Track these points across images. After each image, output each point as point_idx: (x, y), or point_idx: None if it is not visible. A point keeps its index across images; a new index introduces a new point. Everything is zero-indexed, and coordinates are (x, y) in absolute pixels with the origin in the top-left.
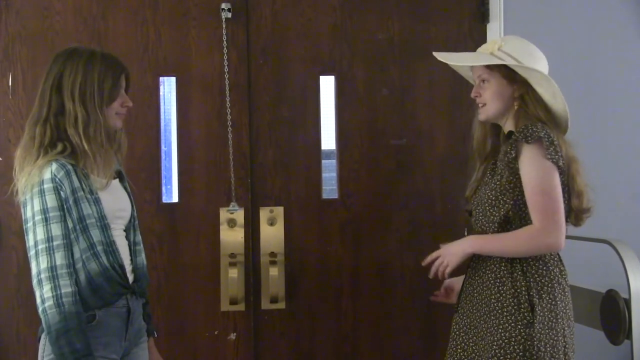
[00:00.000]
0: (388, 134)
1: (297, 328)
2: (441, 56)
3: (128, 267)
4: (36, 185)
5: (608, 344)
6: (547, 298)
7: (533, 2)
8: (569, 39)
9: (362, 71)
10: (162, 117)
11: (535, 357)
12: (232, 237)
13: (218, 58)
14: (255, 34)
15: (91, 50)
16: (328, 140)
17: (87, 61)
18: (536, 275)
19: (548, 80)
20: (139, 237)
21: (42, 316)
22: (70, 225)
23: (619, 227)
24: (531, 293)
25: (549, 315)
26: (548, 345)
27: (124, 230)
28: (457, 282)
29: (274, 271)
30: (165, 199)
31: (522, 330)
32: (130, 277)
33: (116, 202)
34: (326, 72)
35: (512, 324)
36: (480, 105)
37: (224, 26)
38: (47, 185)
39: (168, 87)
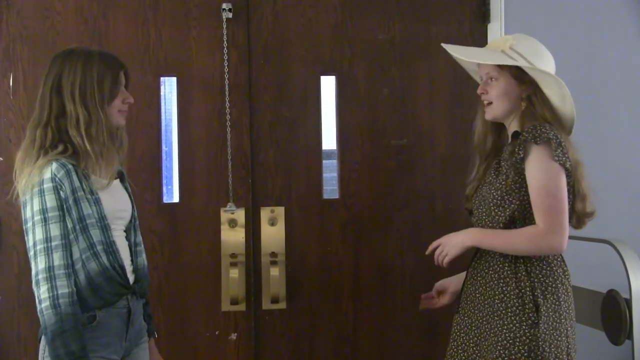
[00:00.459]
0: (389, 134)
1: (298, 328)
2: (452, 49)
3: (129, 268)
4: (36, 185)
5: (609, 344)
6: (552, 298)
7: (534, 2)
8: (569, 39)
9: (363, 71)
10: (162, 117)
11: (540, 357)
12: (232, 237)
13: (219, 58)
14: (256, 34)
15: (88, 50)
16: (329, 140)
17: (85, 61)
18: (540, 276)
19: (559, 83)
20: (139, 238)
21: (40, 316)
22: (69, 225)
23: (619, 227)
24: (536, 293)
25: (554, 316)
26: (552, 346)
27: (125, 231)
28: (450, 282)
29: (274, 271)
30: (166, 199)
31: (526, 331)
32: (131, 278)
33: (117, 202)
34: (327, 72)
35: (517, 325)
36: (485, 102)
37: (224, 26)
38: (47, 185)
39: (169, 87)
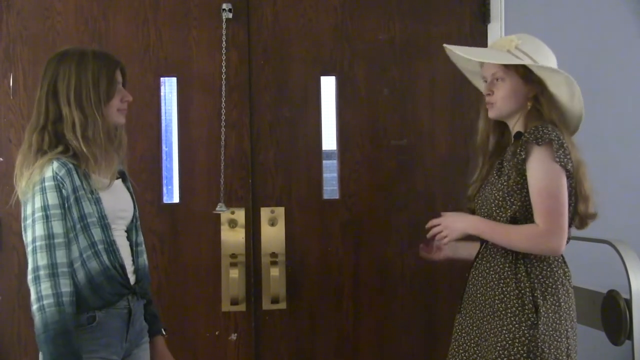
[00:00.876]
0: (389, 135)
1: (298, 328)
2: (456, 48)
3: (130, 268)
4: (37, 183)
5: (609, 344)
6: (551, 299)
7: (534, 3)
8: (569, 39)
9: (363, 71)
10: (163, 117)
11: (539, 358)
12: (233, 237)
13: (219, 58)
14: (256, 35)
15: (82, 50)
16: (329, 140)
17: (79, 62)
18: (540, 277)
19: (570, 81)
20: (141, 238)
21: (37, 314)
22: (70, 223)
23: (619, 228)
24: (535, 294)
25: (553, 317)
26: (552, 347)
27: (126, 231)
28: (455, 247)
29: (274, 271)
30: (166, 200)
31: (526, 332)
32: (132, 278)
33: (118, 202)
34: (327, 73)
35: (516, 325)
36: (490, 103)
37: (224, 26)
38: (49, 183)
39: (169, 87)
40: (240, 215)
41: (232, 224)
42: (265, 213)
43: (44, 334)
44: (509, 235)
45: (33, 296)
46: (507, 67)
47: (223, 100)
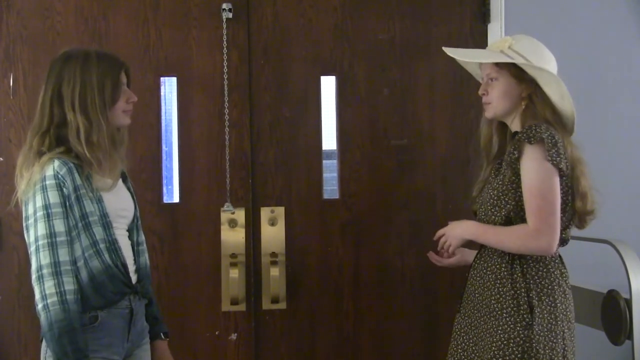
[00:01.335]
0: (389, 134)
1: (298, 328)
2: (450, 51)
3: (131, 267)
4: (38, 182)
5: (609, 344)
6: (547, 300)
7: (534, 3)
8: (570, 40)
9: (363, 71)
10: (163, 117)
11: (534, 359)
12: (233, 237)
13: (219, 58)
14: (256, 34)
15: (86, 52)
16: (329, 140)
17: (84, 66)
18: (536, 277)
19: (557, 81)
20: (142, 237)
21: (42, 313)
22: (72, 222)
23: (619, 227)
24: (531, 295)
25: (549, 318)
26: (547, 348)
27: (127, 231)
28: (461, 252)
29: (274, 271)
30: (166, 199)
31: (521, 332)
32: (134, 278)
33: (119, 201)
34: (327, 72)
35: (511, 326)
36: (486, 103)
37: (224, 26)
38: (50, 182)
39: (169, 87)
40: (240, 215)
41: (232, 223)
42: (265, 213)
43: (49, 332)
44: (500, 236)
45: (37, 295)
46: (500, 67)
47: (227, 100)
